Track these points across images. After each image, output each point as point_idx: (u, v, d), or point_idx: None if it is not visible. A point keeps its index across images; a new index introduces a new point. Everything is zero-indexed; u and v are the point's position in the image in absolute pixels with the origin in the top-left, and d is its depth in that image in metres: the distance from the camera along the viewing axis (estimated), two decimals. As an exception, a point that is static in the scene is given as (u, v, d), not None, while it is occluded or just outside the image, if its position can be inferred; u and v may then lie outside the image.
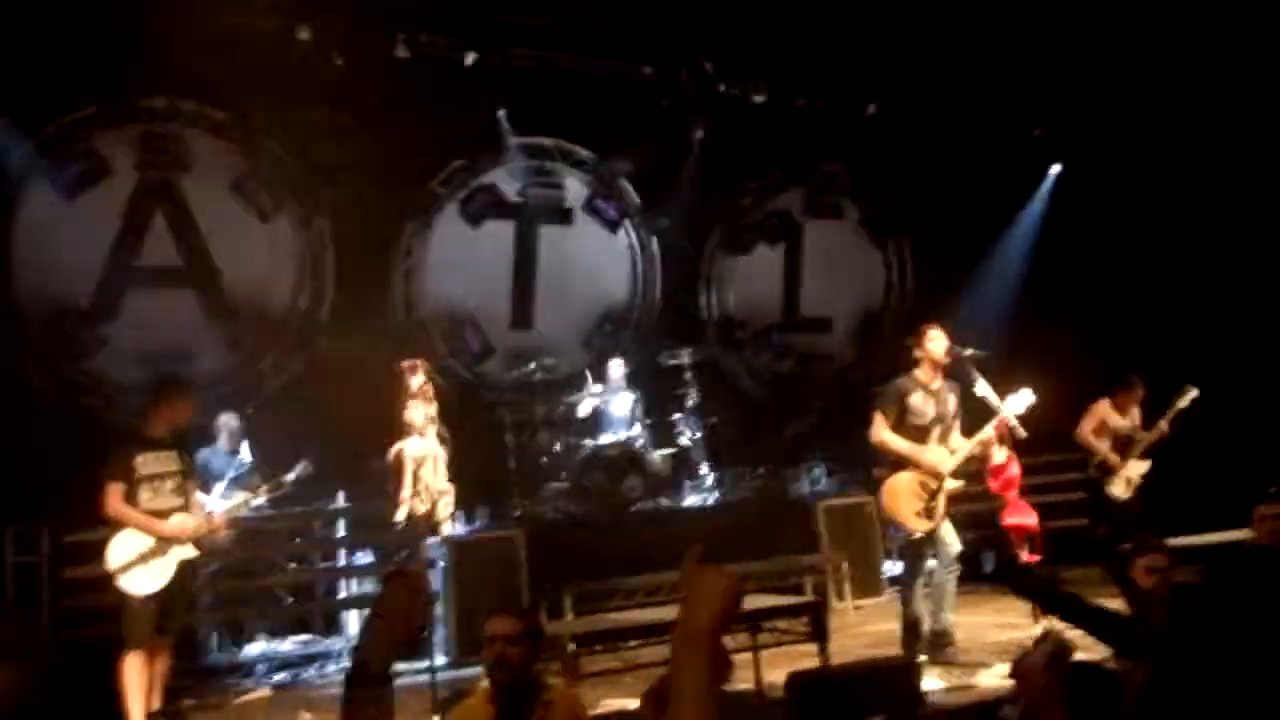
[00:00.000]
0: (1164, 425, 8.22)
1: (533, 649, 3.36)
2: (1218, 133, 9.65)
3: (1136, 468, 8.35)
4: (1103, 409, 8.54)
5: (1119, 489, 8.34)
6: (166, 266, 8.92)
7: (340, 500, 7.77)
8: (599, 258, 10.87)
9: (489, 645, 3.30)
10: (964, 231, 11.28)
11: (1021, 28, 9.80)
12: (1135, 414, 8.52)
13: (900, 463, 6.17)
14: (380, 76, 8.95)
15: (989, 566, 2.91)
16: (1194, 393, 8.04)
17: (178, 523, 5.54)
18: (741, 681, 5.60)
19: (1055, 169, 11.59)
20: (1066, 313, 10.76)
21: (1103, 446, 8.40)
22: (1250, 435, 9.01)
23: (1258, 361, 8.67)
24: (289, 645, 7.32)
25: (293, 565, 7.56)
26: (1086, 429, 8.50)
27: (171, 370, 7.73)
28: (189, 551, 5.58)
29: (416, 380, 6.58)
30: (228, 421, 7.61)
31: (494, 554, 7.45)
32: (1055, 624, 2.84)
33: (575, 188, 10.79)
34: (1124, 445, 8.38)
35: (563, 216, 10.73)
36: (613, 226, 10.93)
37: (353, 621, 7.37)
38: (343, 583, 7.72)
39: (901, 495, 6.12)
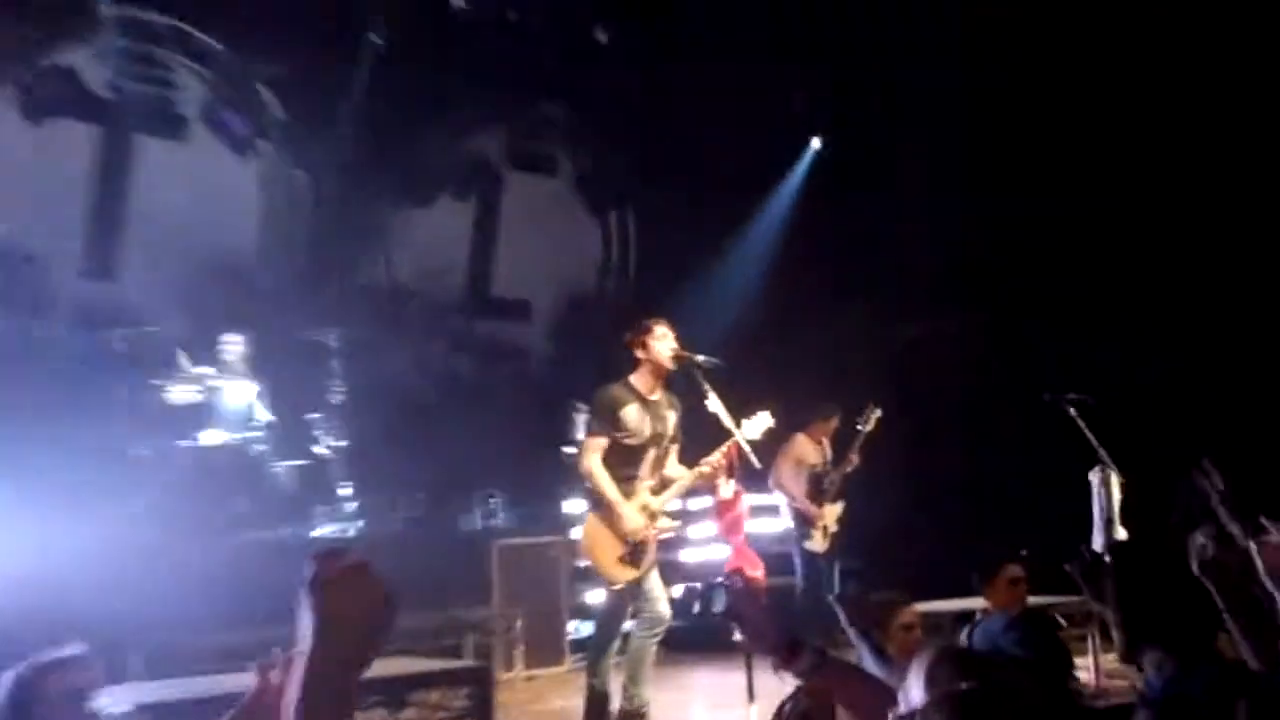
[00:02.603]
0: (854, 457, 9.22)
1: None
2: (1003, 115, 10.75)
3: (832, 513, 9.31)
4: (799, 446, 9.44)
5: (818, 543, 9.24)
6: None
7: None
8: (219, 189, 10.52)
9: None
10: (704, 208, 11.83)
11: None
12: (827, 447, 9.47)
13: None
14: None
15: (719, 605, 3.10)
16: (878, 414, 9.07)
17: None
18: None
19: (815, 144, 12.43)
20: (819, 318, 11.56)
21: (800, 492, 9.26)
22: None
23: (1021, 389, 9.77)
24: None
25: None
26: (786, 473, 9.32)
27: None
28: None
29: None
30: None
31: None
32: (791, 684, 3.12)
33: (194, 89, 10.38)
34: (817, 488, 9.29)
35: (171, 126, 10.28)
36: (241, 148, 10.61)
37: None
38: None
39: (602, 535, 6.34)
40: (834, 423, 9.55)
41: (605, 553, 6.33)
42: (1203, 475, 3.29)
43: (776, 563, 9.70)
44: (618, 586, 6.35)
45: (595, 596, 8.30)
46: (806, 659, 3.07)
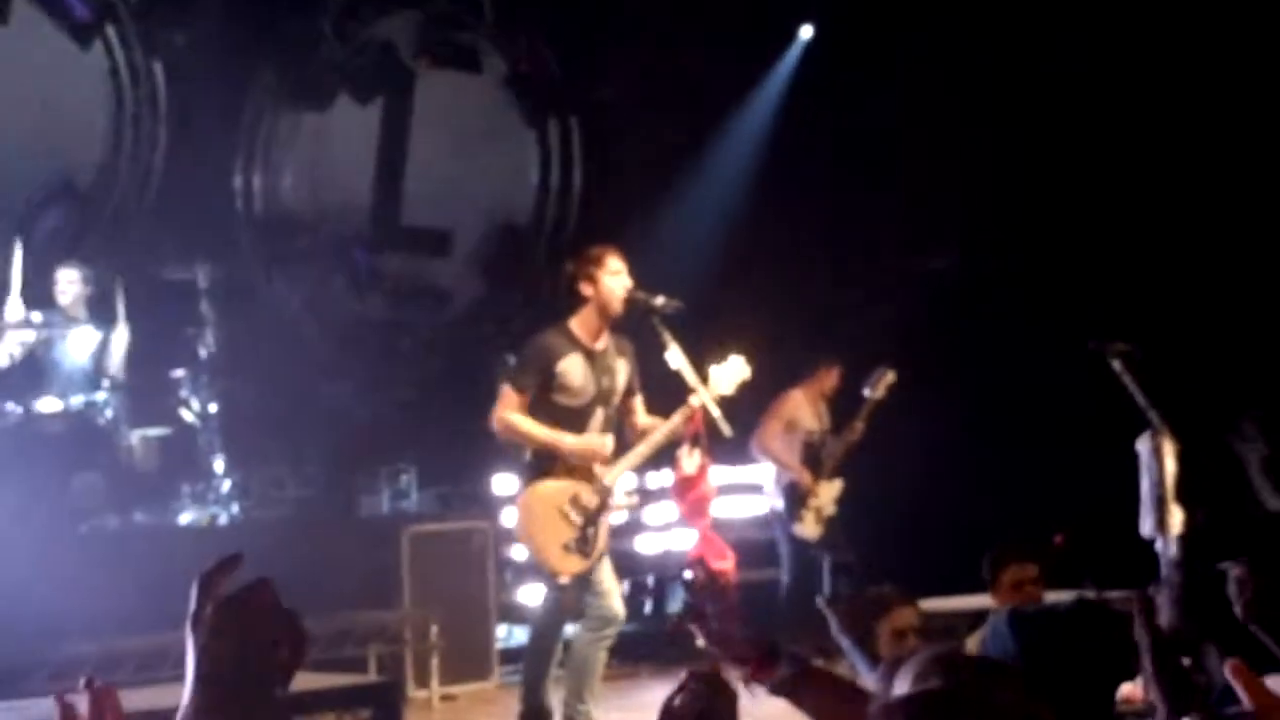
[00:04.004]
0: (859, 425, 9.20)
1: None
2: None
3: (828, 492, 9.29)
4: (793, 404, 9.42)
5: (809, 526, 9.23)
6: None
7: None
8: (53, 87, 10.38)
9: None
10: (665, 114, 11.74)
11: None
12: (824, 412, 9.45)
13: (542, 465, 6.38)
14: None
15: (676, 605, 3.01)
16: (890, 378, 9.05)
17: None
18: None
19: (806, 32, 12.31)
20: (804, 250, 11.48)
21: (795, 462, 9.24)
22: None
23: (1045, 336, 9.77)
24: None
25: None
26: (773, 435, 9.30)
27: None
28: None
29: None
30: None
31: None
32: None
33: (20, -41, 10.25)
34: (812, 459, 9.26)
35: (-10, 5, 10.17)
36: (83, 35, 10.45)
37: None
38: None
39: (544, 516, 6.30)
40: (834, 377, 9.50)
41: (548, 537, 6.30)
42: (1241, 439, 3.24)
43: (754, 553, 9.69)
44: (562, 580, 6.33)
45: (531, 595, 8.26)
46: (784, 669, 2.98)
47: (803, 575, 9.40)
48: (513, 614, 9.12)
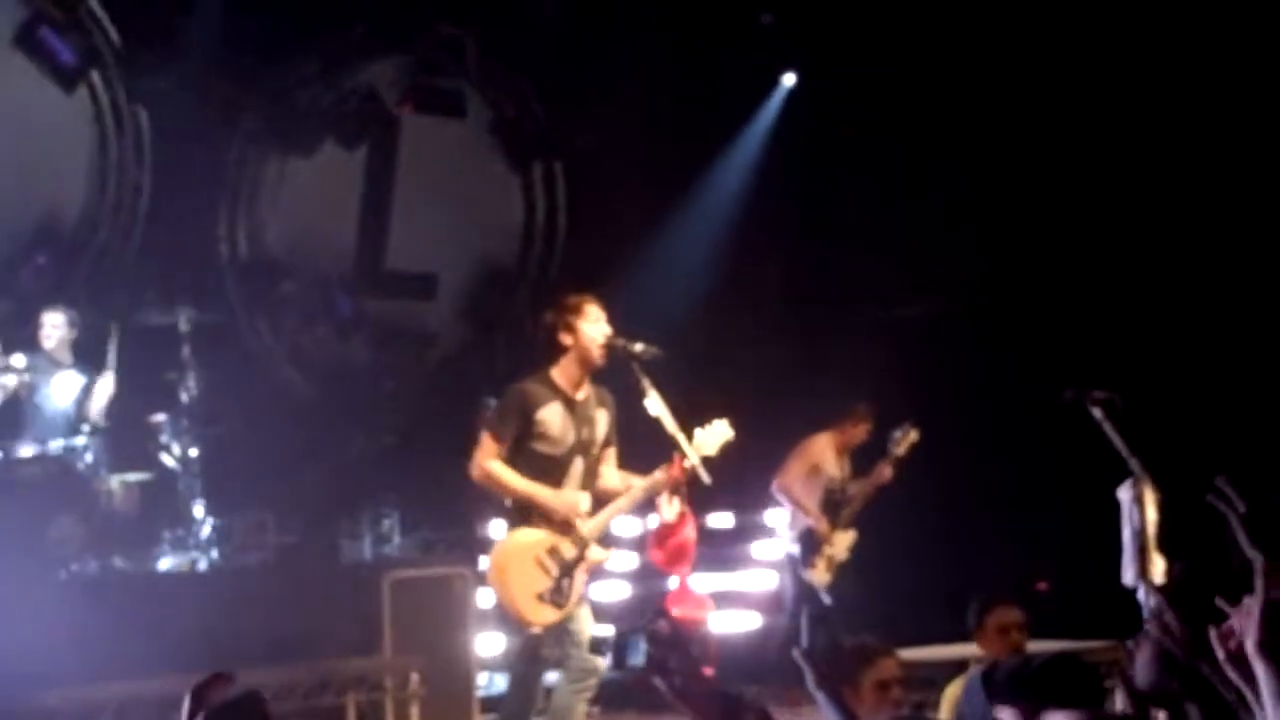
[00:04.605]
0: (887, 471, 9.15)
1: None
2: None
3: (843, 541, 9.23)
4: (819, 449, 9.36)
5: (821, 573, 9.17)
6: None
7: None
8: (39, 132, 10.42)
9: None
10: (648, 160, 11.77)
11: None
12: (846, 462, 9.41)
13: (522, 513, 6.33)
14: None
15: (638, 658, 2.97)
16: (914, 436, 9.03)
17: None
18: None
19: (789, 80, 12.35)
20: (786, 299, 11.47)
21: (814, 507, 9.19)
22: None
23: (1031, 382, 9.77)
24: None
25: None
26: (795, 478, 9.24)
27: None
28: None
29: None
30: None
31: None
32: None
33: (6, 4, 10.25)
34: (832, 507, 9.22)
35: (-24, 52, 10.20)
36: (69, 79, 10.47)
37: None
38: None
39: (519, 565, 6.25)
40: (863, 432, 9.44)
41: (520, 587, 6.23)
42: (1219, 497, 3.22)
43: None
44: (534, 630, 6.29)
45: (513, 641, 8.19)
46: None
47: (812, 619, 9.27)
48: (494, 661, 9.06)
